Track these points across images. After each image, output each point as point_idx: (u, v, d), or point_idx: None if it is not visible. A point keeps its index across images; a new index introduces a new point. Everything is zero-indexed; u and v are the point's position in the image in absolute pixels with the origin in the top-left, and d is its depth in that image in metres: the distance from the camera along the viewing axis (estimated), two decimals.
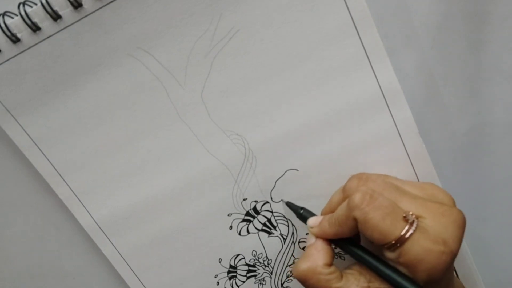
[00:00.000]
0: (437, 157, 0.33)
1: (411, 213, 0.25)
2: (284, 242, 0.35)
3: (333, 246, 0.30)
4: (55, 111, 0.30)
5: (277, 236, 0.34)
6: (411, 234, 0.24)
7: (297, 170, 0.32)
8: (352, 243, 0.28)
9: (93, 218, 0.33)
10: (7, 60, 0.29)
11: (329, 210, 0.30)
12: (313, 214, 0.31)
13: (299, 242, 0.35)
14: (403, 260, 0.25)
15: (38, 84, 0.29)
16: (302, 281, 0.28)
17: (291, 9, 0.29)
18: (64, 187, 0.32)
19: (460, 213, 0.26)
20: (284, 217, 0.34)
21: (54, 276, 0.36)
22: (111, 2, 0.28)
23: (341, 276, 0.27)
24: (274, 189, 0.33)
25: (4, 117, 0.30)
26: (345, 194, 0.29)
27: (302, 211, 0.32)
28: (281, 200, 0.33)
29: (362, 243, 0.29)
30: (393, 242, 0.24)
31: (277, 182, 0.33)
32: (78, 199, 0.32)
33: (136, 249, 0.34)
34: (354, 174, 0.30)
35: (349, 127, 0.31)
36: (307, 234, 0.34)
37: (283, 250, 0.35)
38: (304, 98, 0.31)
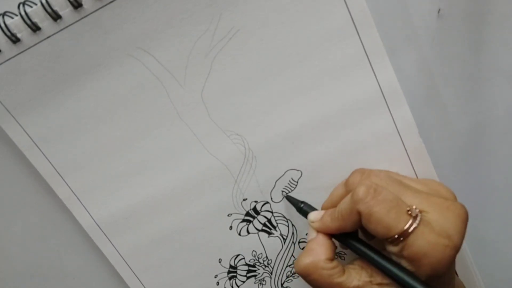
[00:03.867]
0: (437, 157, 0.33)
1: (414, 207, 0.25)
2: (284, 242, 0.35)
3: (334, 241, 0.29)
4: (55, 111, 0.30)
5: (277, 236, 0.34)
6: (415, 228, 0.24)
7: (297, 170, 0.32)
8: (353, 238, 0.28)
9: (93, 218, 0.33)
10: (7, 60, 0.29)
11: (330, 205, 0.30)
12: (313, 209, 0.31)
13: (299, 242, 0.35)
14: (407, 253, 0.25)
15: (38, 84, 0.29)
16: (304, 275, 0.28)
17: (291, 9, 0.29)
18: (64, 187, 0.32)
19: (463, 207, 0.26)
20: (284, 217, 0.34)
21: (54, 276, 0.36)
22: (111, 2, 0.28)
23: (343, 271, 0.27)
24: (274, 189, 0.33)
25: (4, 117, 0.30)
26: (348, 188, 0.29)
27: (302, 205, 0.31)
28: (282, 192, 0.33)
29: (362, 238, 0.29)
30: (396, 236, 0.24)
31: (277, 182, 0.33)
32: (78, 199, 0.32)
33: (136, 249, 0.34)
34: (356, 169, 0.30)
35: (349, 127, 0.31)
36: (307, 234, 0.34)
37: (283, 250, 0.35)
38: (304, 98, 0.31)
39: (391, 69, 0.30)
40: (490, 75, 0.33)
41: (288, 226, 0.34)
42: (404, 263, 0.25)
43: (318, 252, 0.28)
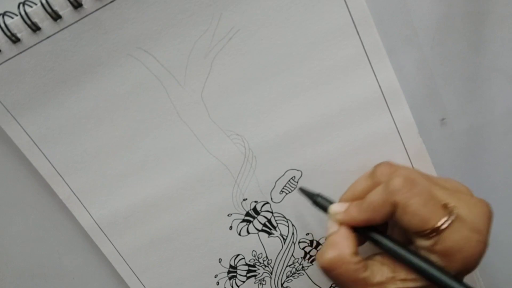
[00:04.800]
0: (437, 157, 0.33)
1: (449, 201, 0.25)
2: (284, 242, 0.35)
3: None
4: (55, 111, 0.30)
5: (277, 236, 0.34)
6: (452, 222, 0.24)
7: (297, 170, 0.32)
8: (377, 232, 0.27)
9: (93, 218, 0.33)
10: (7, 60, 0.29)
11: (351, 198, 0.29)
12: (330, 202, 0.30)
13: (299, 242, 0.35)
14: (440, 248, 0.24)
15: (38, 84, 0.29)
16: (328, 270, 0.27)
17: (291, 9, 0.29)
18: (64, 187, 0.32)
19: (489, 205, 0.26)
20: (284, 217, 0.34)
21: (54, 276, 0.36)
22: (111, 2, 0.28)
23: (366, 266, 0.26)
24: (274, 189, 0.33)
25: (4, 117, 0.30)
26: (376, 180, 0.28)
27: (319, 198, 0.30)
28: (296, 187, 0.33)
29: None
30: (429, 230, 0.24)
31: (277, 182, 0.33)
32: (78, 199, 0.32)
33: (136, 249, 0.34)
34: (382, 162, 0.29)
35: (349, 127, 0.31)
36: (307, 234, 0.34)
37: (283, 250, 0.35)
38: (304, 98, 0.31)
39: (391, 69, 0.30)
40: (490, 75, 0.33)
41: (288, 226, 0.34)
42: (434, 258, 0.25)
43: (344, 245, 0.27)
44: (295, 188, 0.33)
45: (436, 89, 0.33)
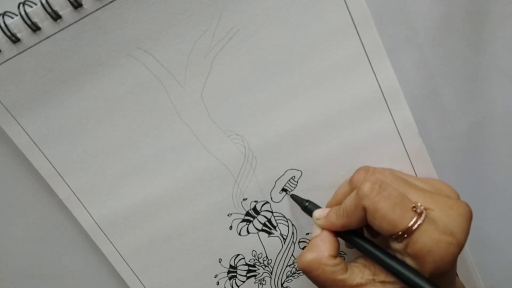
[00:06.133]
0: (437, 157, 0.33)
1: (419, 204, 0.25)
2: (284, 242, 0.35)
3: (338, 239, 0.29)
4: (55, 111, 0.30)
5: (277, 236, 0.34)
6: (420, 225, 0.24)
7: (297, 170, 0.32)
8: (358, 236, 0.28)
9: (93, 218, 0.33)
10: (7, 60, 0.29)
11: (335, 203, 0.30)
12: (318, 207, 0.31)
13: (299, 242, 0.35)
14: (411, 250, 0.25)
15: (38, 84, 0.29)
16: (306, 271, 0.28)
17: (291, 9, 0.29)
18: (64, 187, 0.32)
19: (467, 206, 0.26)
20: (284, 217, 0.34)
21: (54, 276, 0.36)
22: (111, 2, 0.28)
23: (346, 268, 0.27)
24: (274, 189, 0.33)
25: (4, 117, 0.30)
26: (353, 185, 0.29)
27: (307, 204, 0.31)
28: (286, 192, 0.33)
29: (367, 236, 0.29)
30: (400, 232, 0.24)
31: (277, 182, 0.33)
32: (78, 199, 0.32)
33: (136, 249, 0.34)
34: (361, 166, 0.30)
35: (349, 127, 0.31)
36: (307, 234, 0.34)
37: (283, 250, 0.35)
38: (304, 98, 0.31)
39: (391, 69, 0.30)
40: (490, 75, 0.33)
41: (288, 226, 0.34)
42: (409, 261, 0.25)
43: (322, 248, 0.28)
44: (295, 188, 0.33)
45: (436, 89, 0.33)
